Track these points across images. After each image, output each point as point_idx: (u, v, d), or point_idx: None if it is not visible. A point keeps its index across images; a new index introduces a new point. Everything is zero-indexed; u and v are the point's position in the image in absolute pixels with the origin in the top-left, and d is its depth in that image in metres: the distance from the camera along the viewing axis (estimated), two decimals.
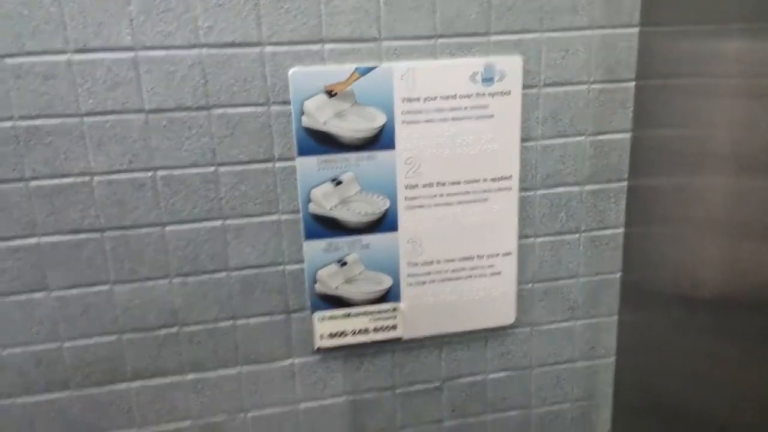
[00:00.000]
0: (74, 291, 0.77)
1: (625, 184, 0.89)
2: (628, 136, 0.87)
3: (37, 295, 0.76)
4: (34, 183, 0.72)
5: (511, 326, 0.91)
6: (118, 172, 0.74)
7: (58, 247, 0.75)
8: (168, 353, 0.81)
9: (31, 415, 0.80)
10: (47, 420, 0.80)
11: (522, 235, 0.87)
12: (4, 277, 0.74)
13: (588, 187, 0.88)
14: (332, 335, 0.85)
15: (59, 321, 0.77)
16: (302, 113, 0.76)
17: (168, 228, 0.77)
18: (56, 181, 0.73)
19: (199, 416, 0.84)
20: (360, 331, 0.85)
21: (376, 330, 0.86)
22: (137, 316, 0.79)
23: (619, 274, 0.92)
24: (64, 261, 0.75)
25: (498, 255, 0.86)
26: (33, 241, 0.74)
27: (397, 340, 0.88)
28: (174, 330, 0.80)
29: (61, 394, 0.80)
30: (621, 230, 0.90)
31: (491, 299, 0.88)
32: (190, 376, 0.83)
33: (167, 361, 0.81)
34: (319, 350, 0.86)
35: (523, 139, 0.83)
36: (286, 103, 0.76)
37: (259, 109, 0.76)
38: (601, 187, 0.88)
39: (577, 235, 0.89)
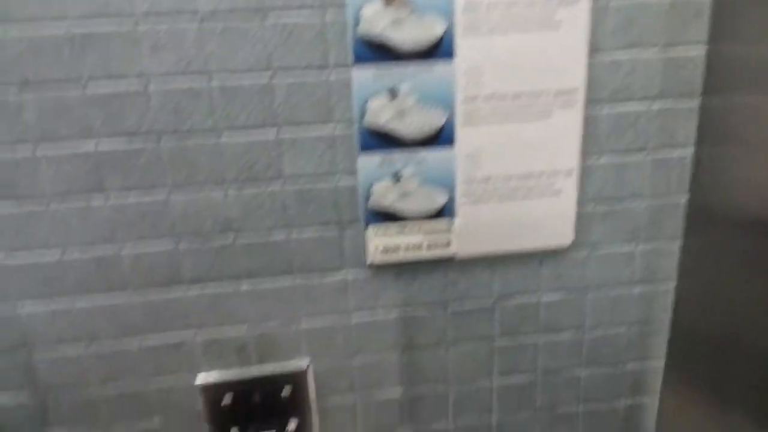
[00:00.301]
0: (132, 197, 0.77)
1: (697, 101, 0.84)
2: (703, 49, 0.81)
3: (96, 200, 0.77)
4: (90, 87, 0.72)
5: (569, 247, 0.88)
6: (174, 74, 0.73)
7: (115, 152, 0.75)
8: (224, 261, 0.82)
9: (91, 316, 0.82)
10: (106, 321, 0.83)
11: (585, 153, 0.84)
12: (63, 180, 0.76)
13: (658, 104, 0.83)
14: (385, 250, 0.84)
15: (117, 225, 0.78)
16: (358, 21, 0.73)
17: (224, 136, 0.76)
18: (112, 86, 0.73)
19: (254, 323, 0.86)
20: (413, 247, 0.84)
21: (429, 246, 0.85)
22: (194, 223, 0.80)
23: (685, 197, 0.88)
24: (122, 166, 0.76)
25: (559, 173, 0.83)
26: (90, 145, 0.75)
27: (451, 258, 0.87)
28: (230, 238, 0.81)
29: (120, 296, 0.82)
30: (690, 151, 0.86)
31: (549, 219, 0.85)
32: (246, 285, 0.84)
33: (223, 269, 0.82)
34: (372, 265, 0.85)
35: (591, 51, 0.79)
36: (342, 8, 0.73)
37: (315, 15, 0.73)
38: (671, 104, 0.83)
39: (643, 155, 0.85)
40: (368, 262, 0.85)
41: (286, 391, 0.88)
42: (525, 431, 0.99)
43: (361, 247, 0.84)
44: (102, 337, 0.83)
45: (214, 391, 0.87)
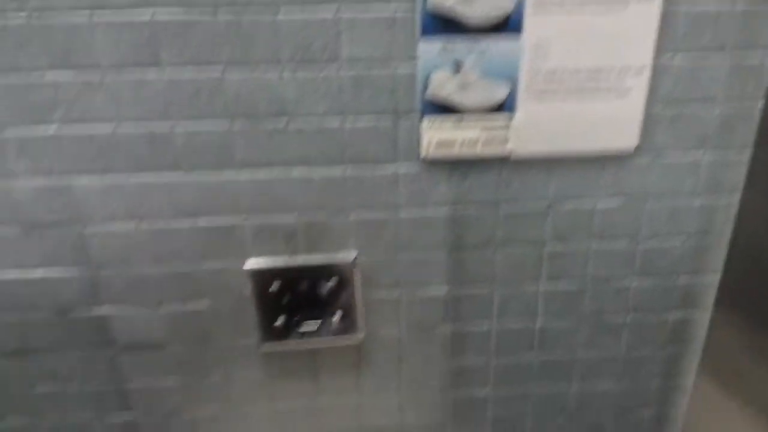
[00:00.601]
0: (187, 72, 0.76)
1: None
2: None
3: (150, 74, 0.75)
4: None
5: (632, 152, 0.85)
6: None
7: (171, 23, 0.73)
8: (276, 145, 0.81)
9: (143, 193, 0.82)
10: (158, 199, 0.83)
11: (659, 50, 0.79)
12: (119, 50, 0.74)
13: (742, 2, 0.77)
14: (439, 144, 0.82)
15: (172, 101, 0.77)
16: None
17: (281, 12, 0.73)
18: None
19: (303, 211, 0.85)
20: (468, 143, 0.82)
21: (485, 143, 0.82)
22: (247, 104, 0.78)
23: (761, 104, 0.83)
24: (178, 38, 0.74)
25: (630, 70, 0.78)
26: (147, 15, 0.72)
27: (507, 157, 0.84)
28: (283, 122, 0.79)
29: (172, 175, 0.81)
30: None
31: (615, 120, 0.81)
32: (296, 171, 0.82)
33: (275, 153, 0.81)
34: (425, 159, 0.83)
35: None
36: None
37: None
38: (756, 3, 0.77)
39: (720, 56, 0.80)
40: (421, 156, 0.82)
41: (332, 282, 0.88)
42: (569, 337, 0.98)
43: (415, 140, 0.82)
44: (153, 215, 0.83)
45: (262, 277, 0.87)
